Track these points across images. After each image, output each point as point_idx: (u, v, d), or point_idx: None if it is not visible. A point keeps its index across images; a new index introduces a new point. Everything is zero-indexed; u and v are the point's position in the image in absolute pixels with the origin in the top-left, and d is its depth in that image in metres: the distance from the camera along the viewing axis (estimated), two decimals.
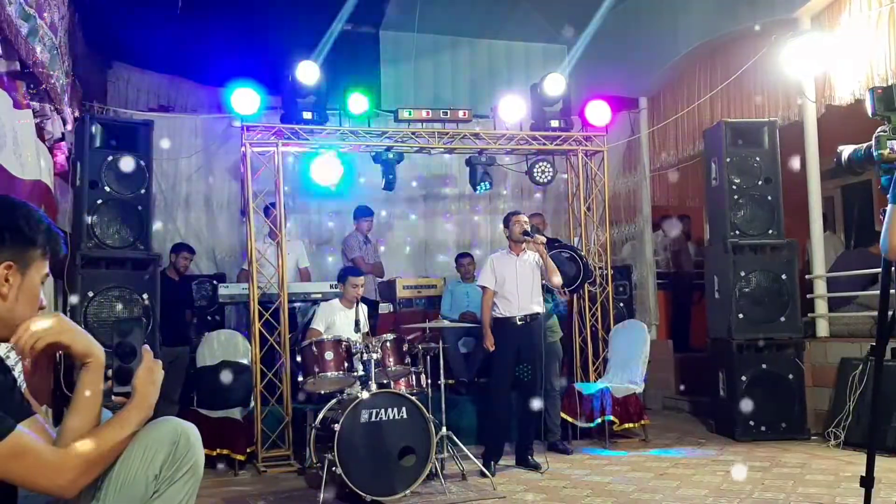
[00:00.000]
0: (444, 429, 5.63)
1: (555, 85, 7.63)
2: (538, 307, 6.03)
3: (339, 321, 6.17)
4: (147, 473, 1.90)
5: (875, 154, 3.20)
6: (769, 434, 6.67)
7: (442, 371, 5.75)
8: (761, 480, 5.25)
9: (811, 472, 5.48)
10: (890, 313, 3.18)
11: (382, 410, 5.03)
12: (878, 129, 3.26)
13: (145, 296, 6.02)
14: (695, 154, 8.76)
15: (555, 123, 7.71)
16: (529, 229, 6.05)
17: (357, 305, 5.91)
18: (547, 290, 6.42)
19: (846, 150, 3.43)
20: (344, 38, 9.02)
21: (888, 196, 2.34)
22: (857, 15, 7.00)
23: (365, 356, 5.32)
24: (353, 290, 6.21)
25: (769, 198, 7.10)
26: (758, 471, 5.56)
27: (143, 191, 6.21)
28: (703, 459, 6.07)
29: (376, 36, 10.53)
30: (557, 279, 6.05)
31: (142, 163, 6.22)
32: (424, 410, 5.15)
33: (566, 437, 6.83)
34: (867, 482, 3.18)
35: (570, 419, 6.88)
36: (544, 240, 6.06)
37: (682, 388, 8.80)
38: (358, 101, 7.06)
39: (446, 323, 6.59)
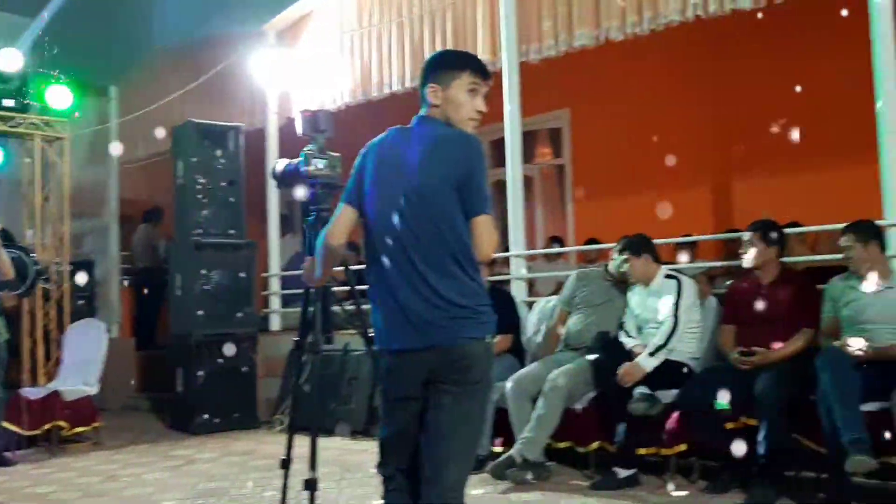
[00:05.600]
0: None
1: (10, 61, 6.97)
2: None
3: None
4: None
5: (302, 170, 3.61)
6: (223, 425, 6.98)
7: None
8: (209, 471, 5.47)
9: (257, 457, 5.89)
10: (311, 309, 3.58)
11: None
12: (306, 148, 3.67)
13: None
14: (165, 150, 8.73)
15: (9, 103, 7.05)
16: None
17: None
18: None
19: (280, 164, 3.79)
20: None
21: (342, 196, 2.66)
22: (318, 36, 7.73)
23: None
24: None
25: (232, 199, 7.41)
26: (207, 462, 5.78)
27: None
28: (154, 457, 6.09)
29: None
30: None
31: None
32: None
33: (9, 448, 6.23)
34: (286, 464, 3.56)
35: (14, 428, 6.28)
36: None
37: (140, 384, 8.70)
38: None
39: None
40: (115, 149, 9.33)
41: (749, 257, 4.52)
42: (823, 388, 3.81)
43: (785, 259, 4.64)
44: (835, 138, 6.48)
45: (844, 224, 4.28)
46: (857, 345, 3.92)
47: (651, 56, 7.05)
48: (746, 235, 4.56)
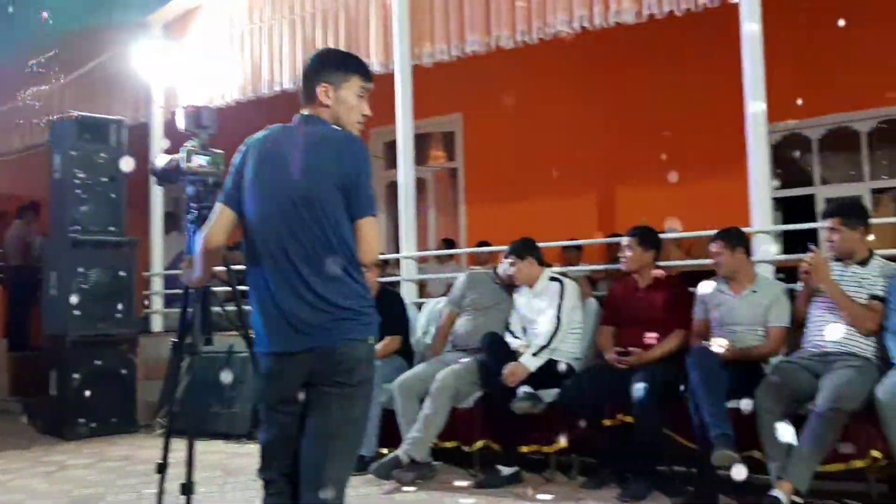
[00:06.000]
0: None
1: None
2: None
3: None
4: None
5: (183, 166, 3.51)
6: (99, 430, 6.69)
7: None
8: (84, 478, 5.25)
9: (135, 462, 5.68)
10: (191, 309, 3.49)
11: None
12: (188, 143, 3.58)
13: None
14: (42, 143, 8.34)
15: None
16: None
17: None
18: None
19: (160, 159, 3.67)
20: None
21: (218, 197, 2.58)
22: (207, 30, 7.54)
23: None
24: None
25: (113, 195, 7.13)
26: (82, 468, 5.55)
27: None
28: (24, 463, 5.80)
29: None
30: None
31: None
32: None
33: None
34: (161, 468, 3.46)
35: None
36: None
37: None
38: None
39: None
40: None
41: (627, 261, 4.71)
42: (692, 386, 3.99)
43: (661, 263, 4.84)
44: (709, 151, 6.82)
45: (715, 231, 4.52)
46: (719, 344, 4.14)
47: (542, 64, 7.25)
48: (625, 240, 4.74)
